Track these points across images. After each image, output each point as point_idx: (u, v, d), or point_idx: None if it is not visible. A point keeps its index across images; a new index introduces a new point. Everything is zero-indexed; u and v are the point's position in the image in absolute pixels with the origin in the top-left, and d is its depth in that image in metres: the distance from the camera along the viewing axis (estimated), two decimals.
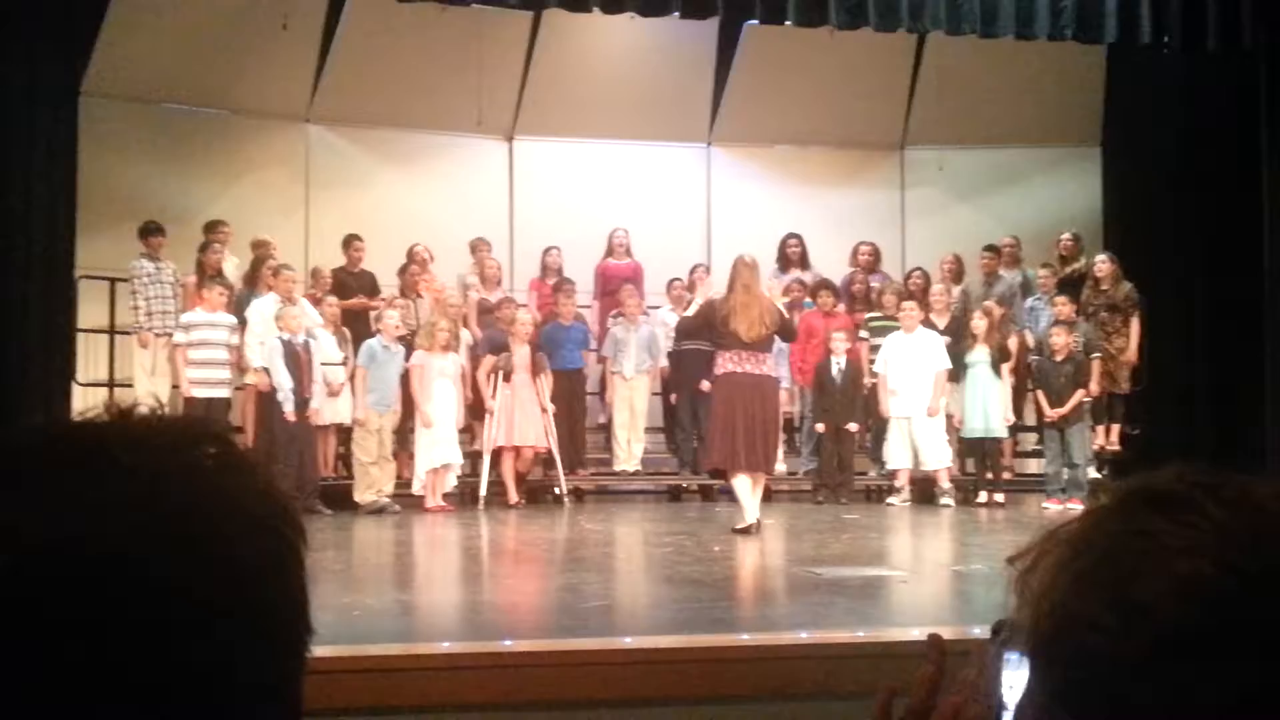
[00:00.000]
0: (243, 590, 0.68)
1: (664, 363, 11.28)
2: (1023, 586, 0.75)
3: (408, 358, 10.00)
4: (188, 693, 0.66)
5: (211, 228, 10.53)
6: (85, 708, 0.64)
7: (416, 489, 9.81)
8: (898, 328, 10.73)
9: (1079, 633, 0.71)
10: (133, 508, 0.67)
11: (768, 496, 8.60)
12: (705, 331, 8.50)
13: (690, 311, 9.22)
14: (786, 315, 8.83)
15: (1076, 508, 9.42)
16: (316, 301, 10.41)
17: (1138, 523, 0.72)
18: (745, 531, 7.87)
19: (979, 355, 10.43)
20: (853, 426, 10.75)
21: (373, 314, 10.60)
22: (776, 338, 8.43)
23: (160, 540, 0.67)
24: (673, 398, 11.18)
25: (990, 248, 11.70)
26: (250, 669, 0.69)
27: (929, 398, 10.41)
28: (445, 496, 9.89)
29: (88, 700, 0.64)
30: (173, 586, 0.66)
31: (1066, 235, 11.60)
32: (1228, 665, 0.67)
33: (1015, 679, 0.85)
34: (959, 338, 10.72)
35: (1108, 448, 10.87)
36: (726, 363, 8.19)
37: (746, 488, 8.07)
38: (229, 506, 0.70)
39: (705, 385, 9.78)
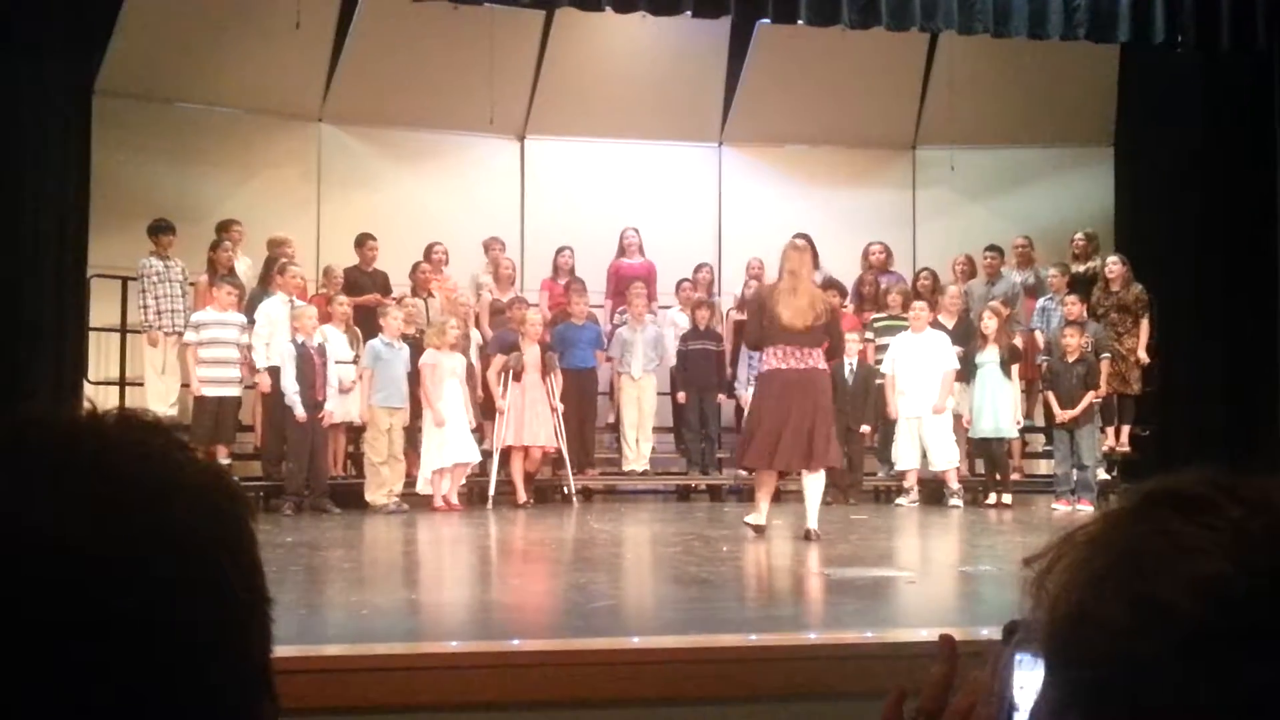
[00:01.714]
0: (193, 569, 0.69)
1: (673, 362, 11.27)
2: (1039, 587, 0.75)
3: (413, 355, 9.99)
4: (153, 677, 0.67)
5: (224, 227, 10.56)
6: (52, 703, 0.64)
7: (421, 487, 9.81)
8: (902, 328, 10.72)
9: (1096, 633, 0.70)
10: (71, 500, 0.67)
11: (777, 497, 8.49)
12: (756, 327, 7.82)
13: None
14: (838, 314, 8.35)
15: (1086, 509, 9.41)
16: (328, 300, 10.43)
17: (1156, 523, 0.72)
18: (758, 529, 7.64)
19: (989, 355, 10.40)
20: (865, 428, 10.75)
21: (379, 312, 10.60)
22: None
23: (103, 529, 0.67)
24: (680, 397, 11.18)
25: (993, 247, 11.70)
26: (212, 647, 0.70)
27: (937, 397, 10.39)
28: (455, 495, 9.89)
29: (54, 695, 0.65)
30: (123, 574, 0.67)
31: (1079, 235, 11.60)
32: (1245, 665, 0.66)
33: (1027, 680, 0.85)
34: (966, 338, 10.70)
35: (1118, 449, 10.84)
36: (771, 358, 7.62)
37: (767, 487, 7.71)
38: (168, 490, 0.71)
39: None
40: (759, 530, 7.68)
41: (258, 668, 0.74)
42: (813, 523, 7.51)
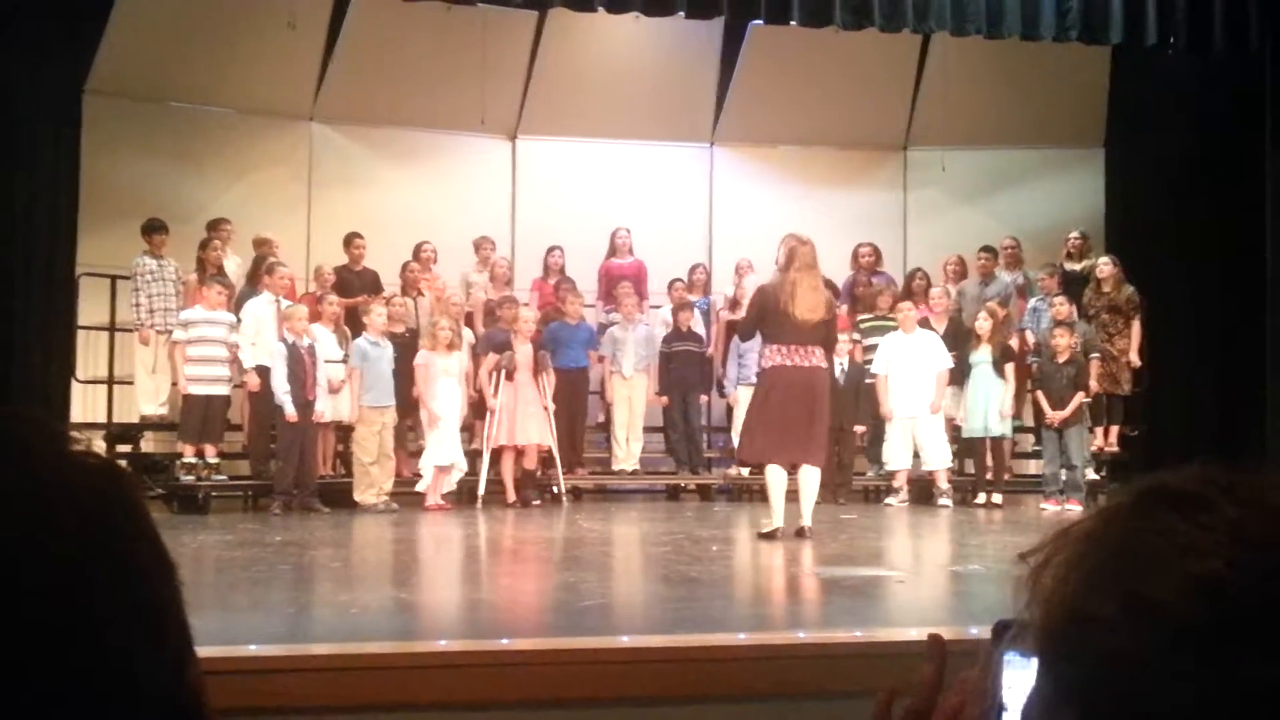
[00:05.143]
0: (79, 557, 0.69)
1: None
2: (1034, 583, 0.75)
3: (399, 353, 9.98)
4: (72, 669, 0.67)
5: (214, 225, 10.54)
6: None
7: (424, 486, 9.79)
8: (890, 328, 10.73)
9: (1090, 630, 0.70)
10: None
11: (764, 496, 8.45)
12: (757, 323, 7.79)
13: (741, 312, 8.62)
14: (836, 312, 8.32)
15: (1074, 509, 9.43)
16: (318, 300, 10.40)
17: (1152, 521, 0.71)
18: (770, 537, 7.42)
19: (982, 355, 10.43)
20: (859, 428, 10.75)
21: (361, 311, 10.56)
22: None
23: None
24: (662, 400, 11.18)
25: (987, 248, 11.72)
26: (124, 628, 0.69)
27: (931, 397, 10.41)
28: (444, 496, 9.88)
29: None
30: (14, 574, 0.67)
31: (1075, 234, 11.65)
32: (1237, 664, 0.66)
33: (1016, 679, 0.85)
34: (957, 339, 10.71)
35: (1106, 449, 10.86)
36: (775, 354, 7.58)
37: (780, 486, 7.56)
38: (39, 480, 0.70)
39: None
40: (773, 536, 7.45)
41: (176, 641, 0.73)
42: (807, 520, 7.54)
